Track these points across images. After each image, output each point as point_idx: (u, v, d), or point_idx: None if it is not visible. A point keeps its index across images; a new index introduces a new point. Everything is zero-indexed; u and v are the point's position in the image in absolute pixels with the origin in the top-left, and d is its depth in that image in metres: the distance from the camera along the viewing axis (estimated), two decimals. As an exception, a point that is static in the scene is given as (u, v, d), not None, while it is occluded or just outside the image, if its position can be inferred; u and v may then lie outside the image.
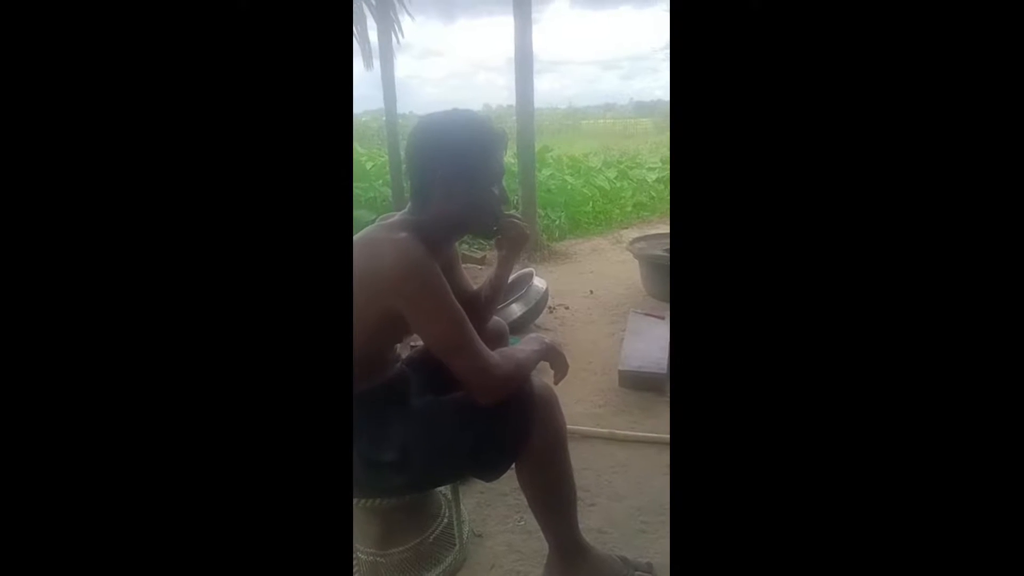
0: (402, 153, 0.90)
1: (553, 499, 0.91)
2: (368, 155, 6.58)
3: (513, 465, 0.88)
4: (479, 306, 1.10)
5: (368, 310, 0.79)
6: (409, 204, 0.89)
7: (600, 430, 1.55)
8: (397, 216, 0.91)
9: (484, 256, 3.56)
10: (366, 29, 3.80)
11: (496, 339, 1.15)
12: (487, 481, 0.92)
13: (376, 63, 3.66)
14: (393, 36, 3.67)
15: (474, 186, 0.86)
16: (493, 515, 1.26)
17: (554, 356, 0.97)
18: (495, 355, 0.82)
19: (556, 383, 0.96)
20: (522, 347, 0.93)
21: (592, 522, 1.21)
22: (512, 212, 1.11)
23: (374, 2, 3.64)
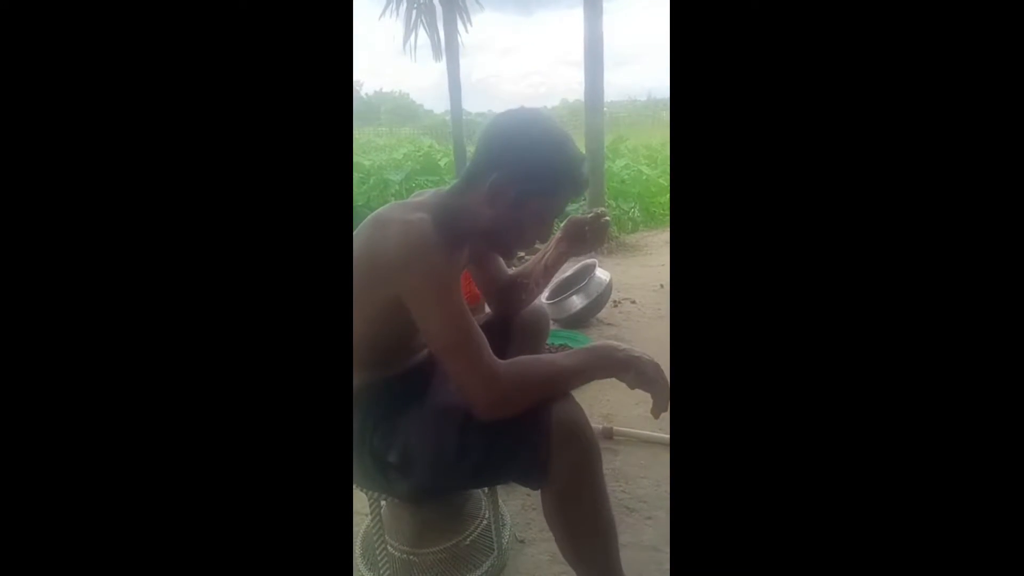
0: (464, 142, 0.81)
1: (581, 543, 0.76)
2: (444, 151, 6.74)
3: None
4: (516, 293, 1.02)
5: (371, 295, 0.71)
6: (453, 184, 0.80)
7: (662, 435, 1.40)
8: (428, 193, 0.84)
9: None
10: (436, 21, 3.82)
11: (532, 324, 1.05)
12: (528, 487, 0.81)
13: (444, 55, 3.67)
14: (460, 25, 3.67)
15: (521, 209, 0.74)
16: (538, 520, 1.16)
17: (636, 373, 0.72)
18: (502, 364, 0.69)
19: (655, 415, 0.73)
20: (563, 356, 0.74)
21: (647, 538, 1.09)
22: (603, 209, 1.00)
23: (442, -6, 3.65)
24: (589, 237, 0.98)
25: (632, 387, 0.75)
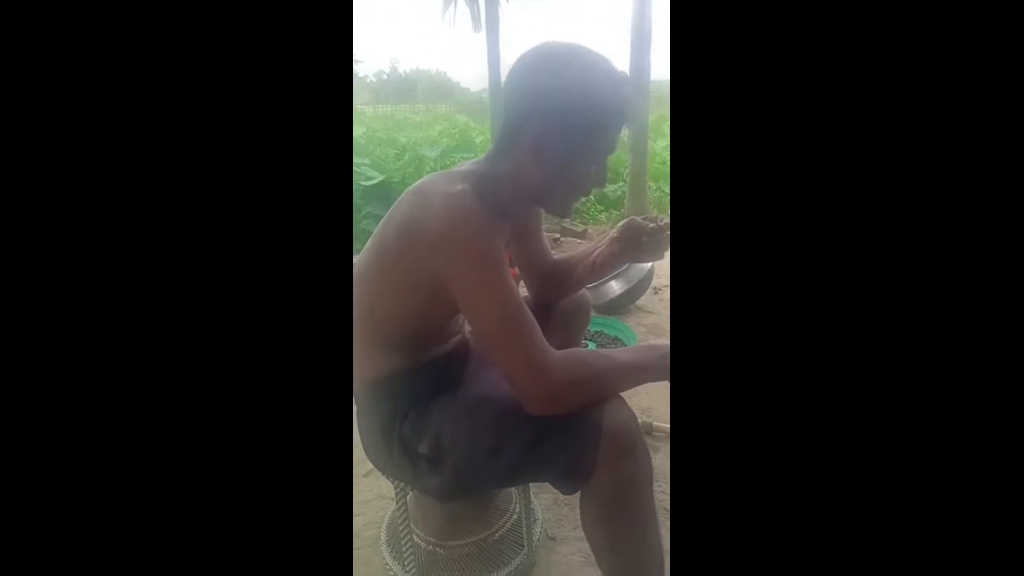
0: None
1: (624, 565, 0.67)
2: (480, 129, 6.68)
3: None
4: (557, 283, 0.94)
5: (410, 273, 0.65)
6: (490, 148, 0.72)
7: (705, 433, 1.32)
8: (467, 164, 0.76)
9: (585, 229, 3.35)
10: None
11: (574, 310, 0.97)
12: (561, 492, 0.73)
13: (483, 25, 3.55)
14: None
15: (571, 153, 0.65)
16: (571, 517, 1.10)
17: None
18: (557, 354, 0.62)
19: None
20: (620, 353, 0.67)
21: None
22: (666, 220, 0.88)
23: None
24: (647, 247, 0.87)
25: None
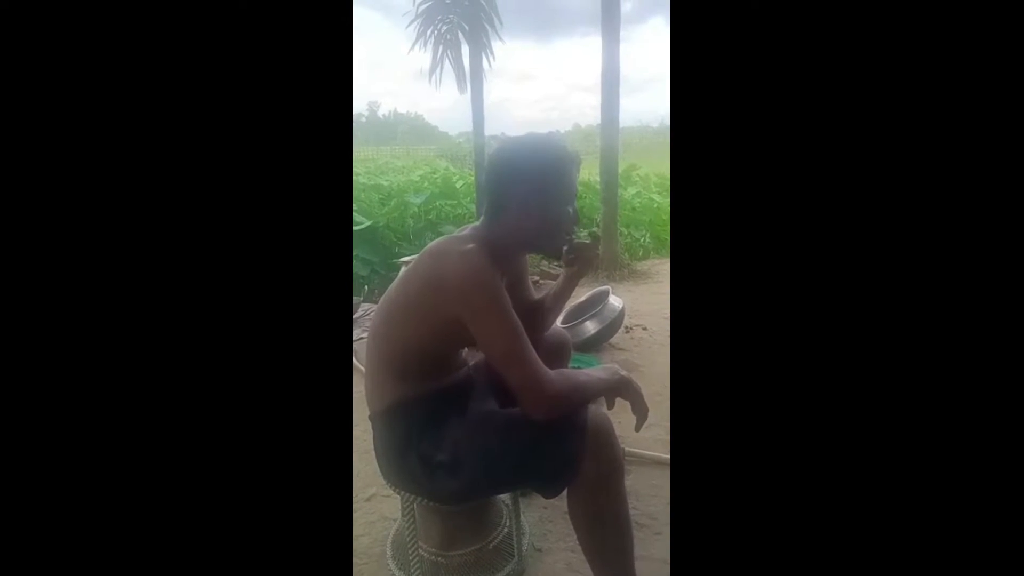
0: (482, 174, 0.94)
1: (604, 537, 0.86)
2: (460, 175, 6.89)
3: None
4: (540, 316, 1.13)
5: (433, 315, 0.84)
6: (482, 218, 0.94)
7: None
8: (468, 229, 0.96)
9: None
10: (461, 56, 4.02)
11: (556, 348, 1.15)
12: (544, 496, 0.91)
13: (468, 86, 3.84)
14: (484, 60, 3.85)
15: (548, 206, 0.90)
16: (555, 531, 1.25)
17: (629, 392, 0.89)
18: (550, 372, 0.82)
19: (637, 428, 0.89)
20: (590, 372, 0.91)
21: (656, 551, 1.17)
22: (594, 230, 1.11)
23: (467, 28, 3.85)
24: (577, 260, 1.09)
25: (622, 397, 0.89)
